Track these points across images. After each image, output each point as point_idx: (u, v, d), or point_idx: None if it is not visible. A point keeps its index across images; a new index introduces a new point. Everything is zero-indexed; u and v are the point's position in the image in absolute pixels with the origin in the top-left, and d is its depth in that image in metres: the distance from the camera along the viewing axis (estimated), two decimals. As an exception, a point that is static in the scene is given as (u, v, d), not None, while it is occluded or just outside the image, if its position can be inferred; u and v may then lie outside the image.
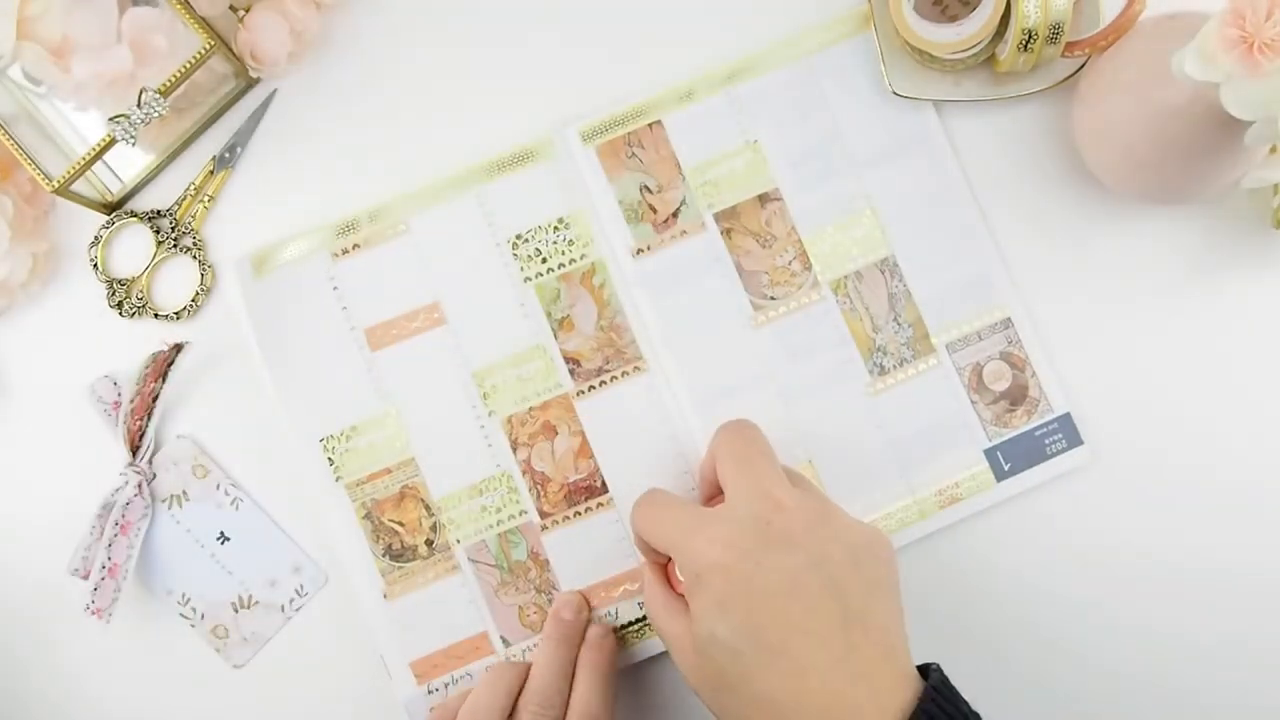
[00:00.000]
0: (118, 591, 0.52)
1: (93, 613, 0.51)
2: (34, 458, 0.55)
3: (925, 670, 0.42)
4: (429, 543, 0.53)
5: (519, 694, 0.48)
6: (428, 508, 0.53)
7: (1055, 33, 0.48)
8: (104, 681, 0.54)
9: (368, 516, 0.53)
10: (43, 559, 0.54)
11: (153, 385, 0.52)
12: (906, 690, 0.40)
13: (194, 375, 0.55)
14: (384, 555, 0.53)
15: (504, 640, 0.53)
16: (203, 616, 0.54)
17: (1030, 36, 0.48)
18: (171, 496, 0.54)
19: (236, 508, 0.54)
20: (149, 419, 0.53)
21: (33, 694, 0.54)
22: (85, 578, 0.52)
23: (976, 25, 0.49)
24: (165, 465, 0.54)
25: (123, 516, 0.52)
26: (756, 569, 0.41)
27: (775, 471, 0.45)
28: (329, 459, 0.53)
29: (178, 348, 0.53)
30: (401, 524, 0.53)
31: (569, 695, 0.49)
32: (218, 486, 0.54)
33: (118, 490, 0.53)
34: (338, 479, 0.53)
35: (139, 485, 0.53)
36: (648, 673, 0.54)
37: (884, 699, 0.39)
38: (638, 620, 0.53)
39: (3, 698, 0.54)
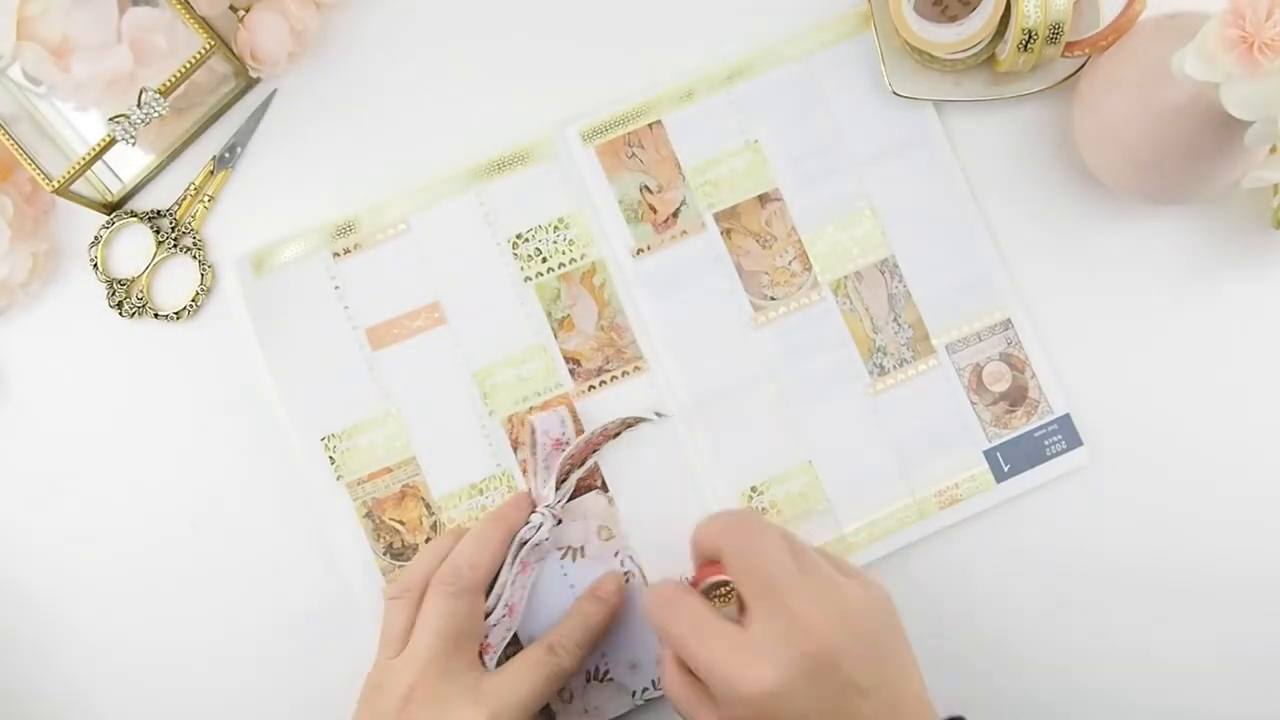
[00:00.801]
0: (509, 633, 0.50)
1: (480, 650, 0.49)
2: (34, 458, 0.55)
3: None
4: (429, 541, 0.53)
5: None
6: (428, 506, 0.53)
7: (1055, 33, 0.48)
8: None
9: (368, 515, 0.53)
10: (42, 560, 0.55)
11: (601, 440, 0.52)
12: None
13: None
14: (385, 554, 0.53)
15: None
16: None
17: (1030, 36, 0.48)
18: (570, 549, 0.52)
19: (628, 581, 0.52)
20: (580, 467, 0.52)
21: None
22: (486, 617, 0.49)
23: (976, 25, 0.49)
24: (575, 515, 0.52)
25: (529, 555, 0.51)
26: (791, 696, 0.40)
27: (785, 565, 0.43)
28: (330, 458, 0.53)
29: (651, 419, 0.52)
30: (402, 523, 0.53)
31: (485, 574, 0.48)
32: (616, 554, 0.52)
33: (537, 529, 0.51)
34: (338, 478, 0.53)
35: (551, 528, 0.51)
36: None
37: None
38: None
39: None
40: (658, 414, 0.53)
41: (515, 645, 0.50)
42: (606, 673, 0.52)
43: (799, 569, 0.43)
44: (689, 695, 0.43)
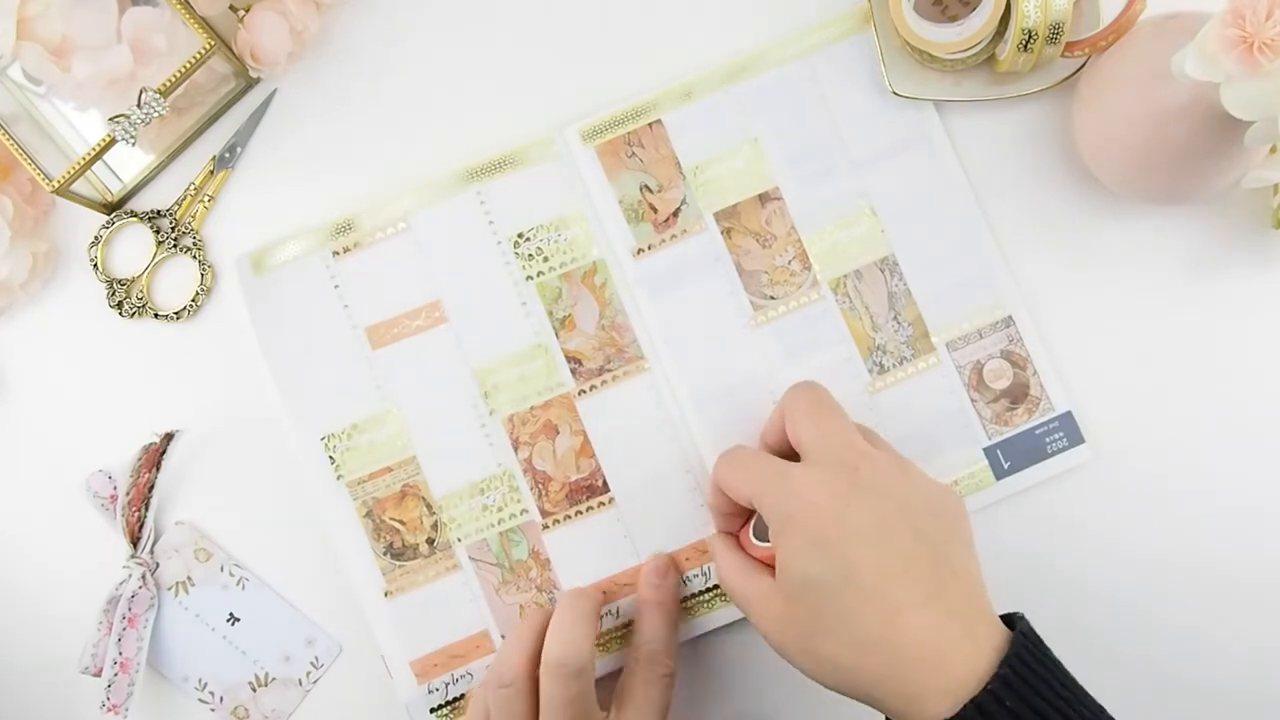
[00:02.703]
0: (132, 686, 0.51)
1: (109, 710, 0.51)
2: (34, 458, 0.55)
3: (1009, 619, 0.43)
4: (430, 541, 0.53)
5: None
6: (429, 506, 0.53)
7: (1055, 33, 0.48)
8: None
9: (369, 515, 0.53)
10: (45, 560, 0.55)
11: (147, 475, 0.52)
12: (996, 633, 0.41)
13: (196, 375, 0.54)
14: (385, 554, 0.53)
15: (504, 639, 0.53)
16: (221, 699, 0.53)
17: (1030, 36, 0.48)
18: (177, 584, 0.53)
19: (243, 587, 0.53)
20: (146, 509, 0.52)
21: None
22: (98, 675, 0.52)
23: (976, 25, 0.49)
24: (167, 553, 0.53)
25: (129, 610, 0.52)
26: (847, 509, 0.42)
27: (851, 426, 0.46)
28: (330, 457, 0.53)
29: (169, 437, 0.53)
30: (402, 522, 0.53)
31: (590, 648, 0.47)
32: (221, 568, 0.54)
33: (122, 584, 0.52)
34: (339, 477, 0.53)
35: (143, 576, 0.52)
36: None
37: (977, 639, 0.40)
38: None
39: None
40: (169, 433, 0.53)
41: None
42: (268, 674, 0.53)
43: (866, 437, 0.46)
44: (739, 567, 0.46)
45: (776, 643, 0.44)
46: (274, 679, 0.53)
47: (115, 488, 0.53)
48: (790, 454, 0.47)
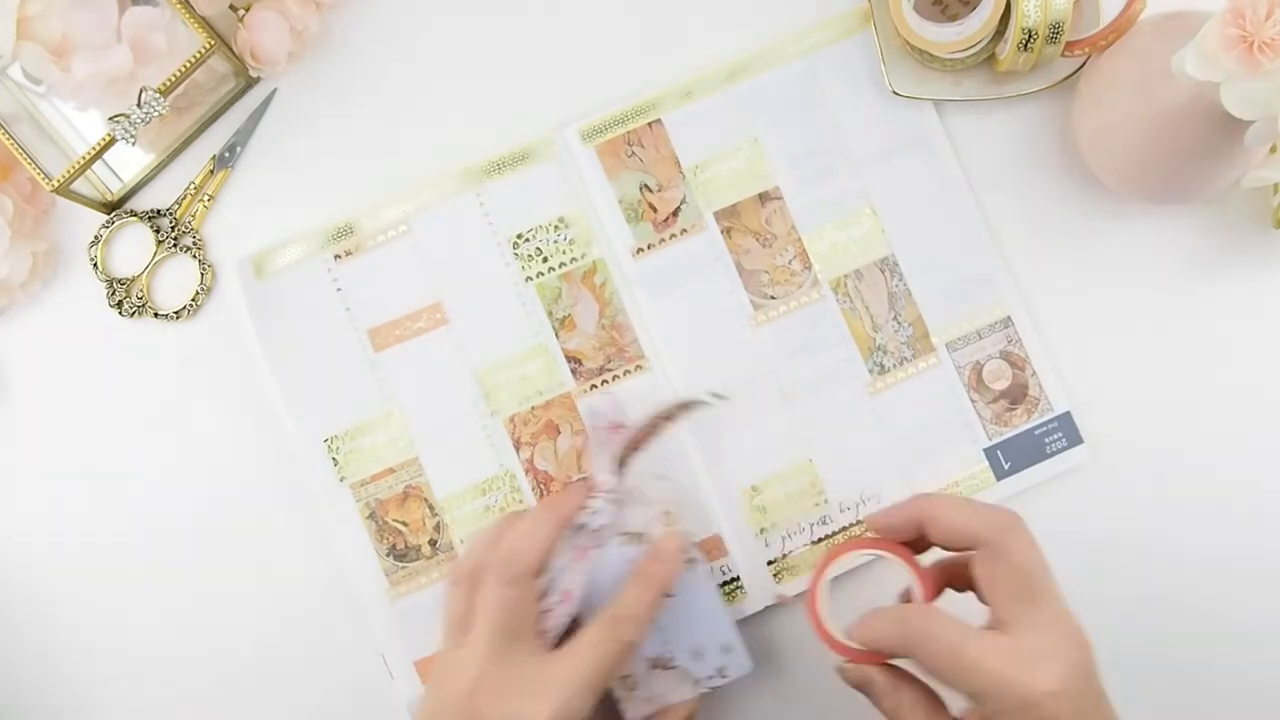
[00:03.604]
0: (567, 618, 0.47)
1: (537, 633, 0.47)
2: (34, 458, 0.55)
3: None
4: (432, 542, 0.53)
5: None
6: (431, 507, 0.53)
7: (1055, 32, 0.48)
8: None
9: (371, 517, 0.53)
10: (44, 560, 0.55)
11: (665, 424, 0.50)
12: None
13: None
14: (388, 555, 0.53)
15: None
16: None
17: (1030, 36, 0.48)
18: (632, 534, 0.49)
19: (692, 567, 0.50)
20: (638, 449, 0.50)
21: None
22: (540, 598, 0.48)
23: (976, 24, 0.49)
24: (637, 500, 0.50)
25: (587, 540, 0.49)
26: (1070, 697, 0.40)
27: (1047, 568, 0.44)
28: (333, 459, 0.53)
29: (713, 399, 0.49)
30: (405, 524, 0.53)
31: (538, 561, 0.46)
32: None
33: (594, 513, 0.49)
34: (341, 479, 0.53)
35: (611, 514, 0.49)
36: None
37: None
38: None
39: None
40: (716, 395, 0.50)
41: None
42: (670, 659, 0.50)
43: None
44: (922, 711, 0.43)
45: None
46: (675, 666, 0.50)
47: (624, 419, 0.50)
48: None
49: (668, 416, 0.50)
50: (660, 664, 0.50)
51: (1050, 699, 0.40)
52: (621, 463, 0.50)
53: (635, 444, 0.50)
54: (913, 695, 0.44)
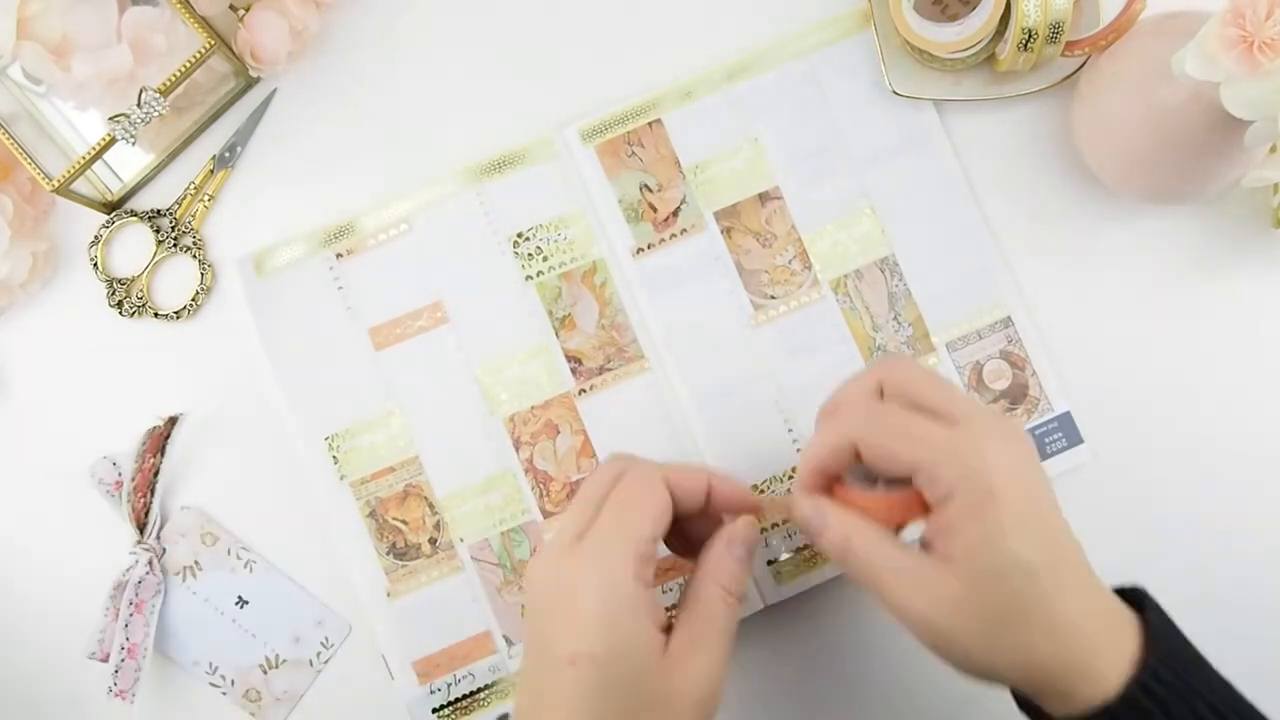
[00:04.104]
0: (139, 671, 0.51)
1: (116, 695, 0.51)
2: (34, 457, 0.55)
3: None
4: (432, 541, 0.53)
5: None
6: (431, 506, 0.53)
7: (1055, 32, 0.48)
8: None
9: (372, 515, 0.53)
10: (48, 556, 0.55)
11: (152, 460, 0.52)
12: (1125, 612, 0.40)
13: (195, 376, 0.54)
14: (388, 554, 0.53)
15: (506, 639, 0.53)
16: (233, 683, 0.53)
17: (1030, 36, 0.48)
18: (184, 568, 0.53)
19: (250, 570, 0.53)
20: (152, 494, 0.52)
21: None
22: (104, 661, 0.52)
23: (976, 25, 0.49)
24: (174, 538, 0.53)
25: (136, 595, 0.52)
26: (1042, 480, 0.39)
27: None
28: (333, 458, 0.53)
29: (172, 421, 0.53)
30: (405, 522, 0.53)
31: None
32: (229, 551, 0.53)
33: (129, 570, 0.52)
34: (342, 478, 0.53)
35: (150, 562, 0.53)
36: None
37: (1124, 612, 0.39)
38: None
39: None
40: (170, 417, 0.53)
41: None
42: (280, 657, 0.53)
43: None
44: (897, 567, 0.39)
45: (943, 630, 0.38)
46: (285, 660, 0.53)
47: (120, 474, 0.53)
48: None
49: (150, 451, 0.52)
50: (271, 665, 0.53)
51: (1013, 485, 0.38)
52: (143, 512, 0.52)
53: (143, 486, 0.52)
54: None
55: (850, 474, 0.42)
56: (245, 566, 0.53)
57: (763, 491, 0.53)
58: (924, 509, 0.40)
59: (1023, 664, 0.38)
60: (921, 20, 0.51)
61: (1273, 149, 0.48)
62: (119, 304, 0.55)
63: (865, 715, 0.54)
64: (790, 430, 0.53)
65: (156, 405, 0.54)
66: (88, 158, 0.50)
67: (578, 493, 0.43)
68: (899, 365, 0.43)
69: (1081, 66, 0.51)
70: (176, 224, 0.55)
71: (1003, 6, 0.48)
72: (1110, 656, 0.38)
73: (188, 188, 0.55)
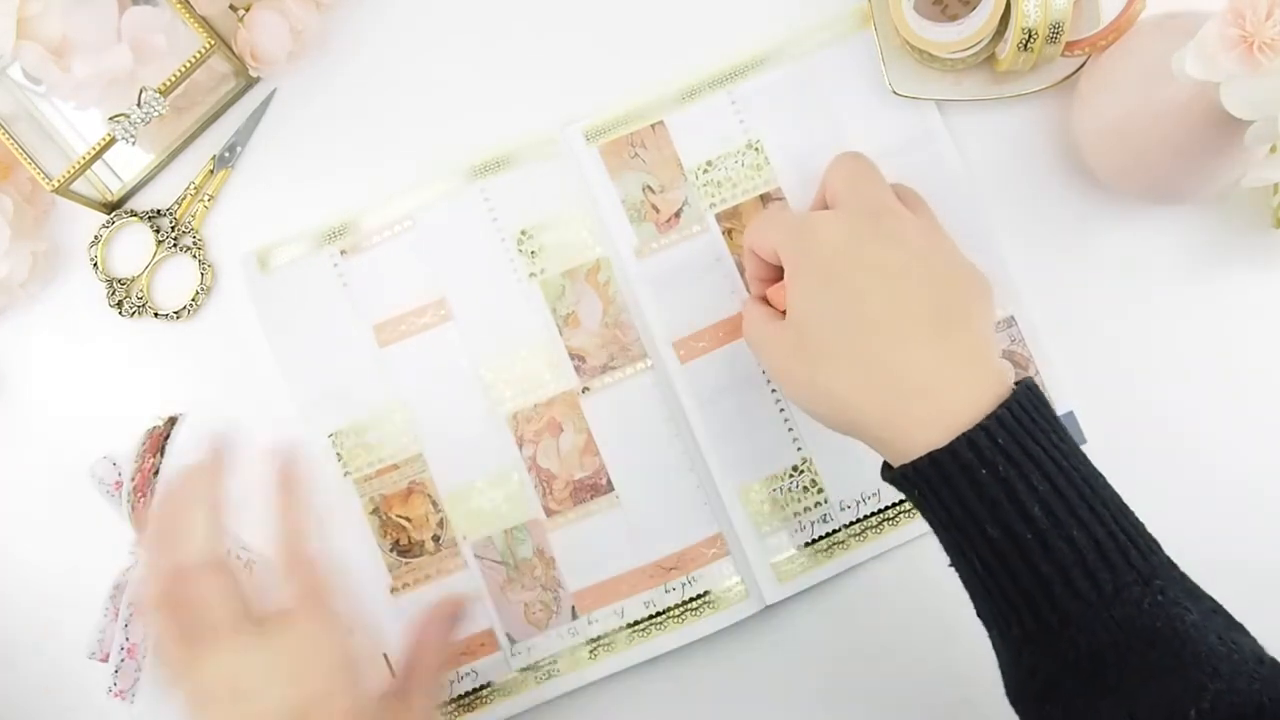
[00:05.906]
0: (139, 672, 0.51)
1: (116, 695, 0.51)
2: (34, 457, 0.55)
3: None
4: (436, 538, 0.53)
5: None
6: (435, 503, 0.53)
7: (1055, 32, 0.48)
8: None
9: (375, 512, 0.53)
10: (49, 555, 0.55)
11: (152, 460, 0.52)
12: (1000, 383, 0.41)
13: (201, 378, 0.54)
14: (391, 550, 0.53)
15: (509, 637, 0.53)
16: None
17: (1030, 36, 0.48)
18: None
19: (251, 572, 0.52)
20: (152, 494, 0.52)
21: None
22: (104, 661, 0.51)
23: (977, 24, 0.49)
24: None
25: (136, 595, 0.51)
26: (862, 249, 0.43)
27: (888, 187, 0.46)
28: (338, 454, 0.53)
29: (172, 421, 0.53)
30: (409, 519, 0.53)
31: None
32: (229, 551, 0.52)
33: (129, 569, 0.52)
34: (346, 474, 0.53)
35: None
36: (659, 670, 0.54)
37: (979, 382, 0.41)
38: (645, 619, 0.53)
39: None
40: (170, 418, 0.53)
41: None
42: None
43: (906, 202, 0.46)
44: (762, 315, 0.46)
45: (782, 377, 0.45)
46: None
47: (120, 474, 0.53)
48: None
49: (150, 451, 0.52)
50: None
51: (821, 247, 0.43)
52: (144, 511, 0.52)
53: (144, 489, 0.52)
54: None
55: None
56: (245, 567, 0.53)
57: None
58: None
59: (851, 414, 0.42)
60: (922, 20, 0.51)
61: (1273, 149, 0.48)
62: (119, 304, 0.55)
63: (865, 714, 0.54)
64: (791, 430, 0.53)
65: (156, 405, 0.54)
66: (88, 158, 0.50)
67: None
68: (834, 161, 0.48)
69: (1081, 66, 0.51)
70: (176, 224, 0.55)
71: (1003, 6, 0.48)
72: (952, 410, 0.40)
73: (188, 188, 0.55)
